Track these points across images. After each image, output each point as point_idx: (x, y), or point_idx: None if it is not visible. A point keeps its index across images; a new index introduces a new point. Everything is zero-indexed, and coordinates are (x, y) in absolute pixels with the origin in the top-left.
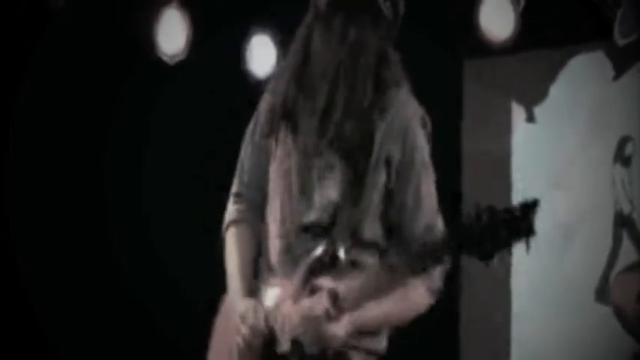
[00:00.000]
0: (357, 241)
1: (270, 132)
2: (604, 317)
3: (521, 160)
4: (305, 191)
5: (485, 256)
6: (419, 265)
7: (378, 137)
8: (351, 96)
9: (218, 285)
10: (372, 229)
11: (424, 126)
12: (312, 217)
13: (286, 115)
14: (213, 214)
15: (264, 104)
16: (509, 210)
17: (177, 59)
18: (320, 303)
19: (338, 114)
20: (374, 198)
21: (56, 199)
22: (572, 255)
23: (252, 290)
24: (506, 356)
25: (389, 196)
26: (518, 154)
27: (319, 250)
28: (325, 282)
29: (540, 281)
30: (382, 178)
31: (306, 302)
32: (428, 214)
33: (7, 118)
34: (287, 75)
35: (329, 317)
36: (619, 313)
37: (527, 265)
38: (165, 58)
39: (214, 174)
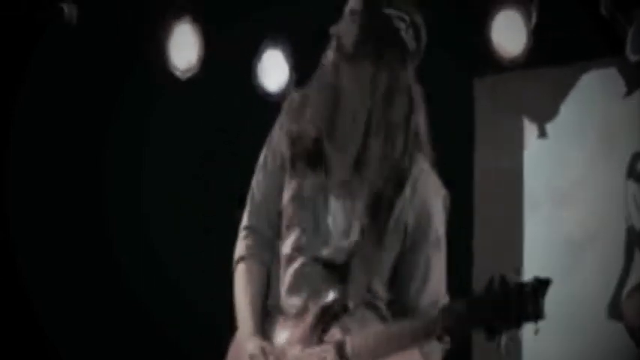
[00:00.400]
0: (368, 293)
1: (291, 166)
2: (616, 334)
3: (532, 177)
4: (322, 228)
5: (490, 334)
6: (422, 337)
7: (400, 201)
8: (384, 147)
9: (218, 285)
10: (381, 289)
11: (444, 205)
12: (326, 252)
13: (312, 154)
14: (213, 214)
15: (281, 135)
16: (520, 287)
17: (189, 74)
18: (327, 354)
19: (371, 164)
20: (388, 258)
21: (56, 199)
22: (583, 271)
23: (262, 330)
24: None
25: (399, 263)
26: (529, 170)
27: (330, 298)
28: (335, 334)
29: (552, 298)
30: (397, 242)
31: (314, 350)
32: (435, 290)
33: (8, 118)
34: (313, 113)
35: None
36: (631, 329)
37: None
38: (177, 73)
39: (226, 197)
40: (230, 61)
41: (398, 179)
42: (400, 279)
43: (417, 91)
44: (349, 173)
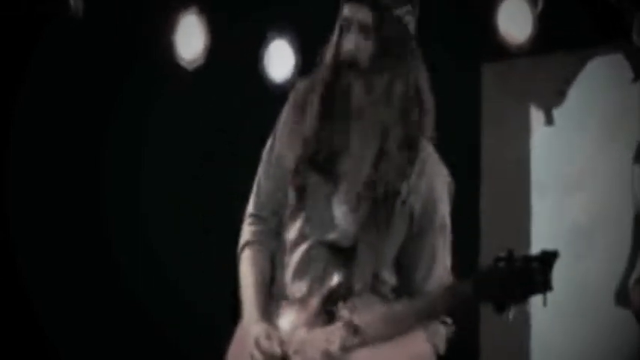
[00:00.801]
0: (374, 279)
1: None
2: (624, 321)
3: (539, 163)
4: (327, 215)
5: (499, 307)
6: (429, 315)
7: (405, 186)
8: (397, 154)
9: (218, 285)
10: (387, 275)
11: (449, 192)
12: (332, 236)
13: (320, 161)
14: (213, 214)
15: (286, 130)
16: (527, 260)
17: (195, 65)
18: (337, 334)
19: (385, 164)
20: (394, 244)
21: (56, 199)
22: (591, 258)
23: (267, 314)
24: (525, 358)
25: (405, 249)
26: (536, 157)
27: (335, 281)
28: (345, 313)
29: (559, 285)
30: (404, 228)
31: (321, 331)
32: (440, 276)
33: (8, 113)
34: (321, 118)
35: (344, 349)
36: (638, 316)
37: None
38: (183, 64)
39: (232, 188)
40: (236, 51)
41: (405, 166)
42: (406, 265)
43: (424, 77)
44: (360, 183)
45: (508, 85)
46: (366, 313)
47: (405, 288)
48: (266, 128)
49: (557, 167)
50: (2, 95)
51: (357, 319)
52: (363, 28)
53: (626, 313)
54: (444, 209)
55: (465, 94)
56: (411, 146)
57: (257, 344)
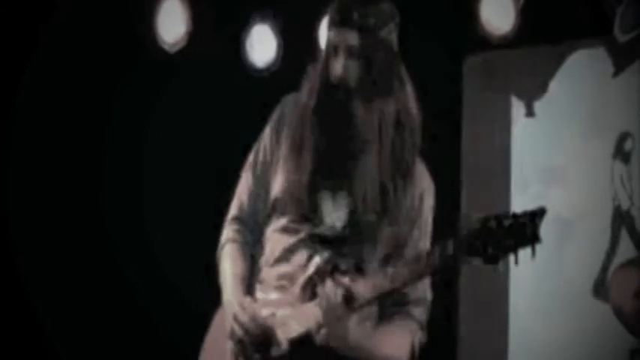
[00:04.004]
0: (359, 265)
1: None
2: (602, 313)
3: (520, 155)
4: (313, 215)
5: (490, 260)
6: (420, 272)
7: (396, 188)
8: (393, 155)
9: (218, 285)
10: (375, 258)
11: (433, 199)
12: (320, 230)
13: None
14: (213, 213)
15: (273, 137)
16: (515, 215)
17: (177, 48)
18: (335, 296)
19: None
20: (383, 240)
21: (55, 198)
22: (570, 251)
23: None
24: (504, 351)
25: (391, 242)
26: (517, 149)
27: (320, 259)
28: (343, 279)
29: (538, 277)
30: (393, 223)
31: (308, 305)
32: (423, 246)
33: (8, 110)
34: (319, 140)
35: (335, 319)
36: (617, 309)
37: (524, 261)
38: (165, 47)
39: (214, 172)
40: (218, 35)
41: (397, 173)
42: (391, 256)
43: (410, 92)
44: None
45: (490, 77)
46: (359, 282)
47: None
48: (247, 113)
49: (539, 159)
50: None
51: (351, 286)
52: (350, 52)
53: (604, 305)
54: (428, 211)
55: (446, 85)
56: (402, 165)
57: (236, 319)
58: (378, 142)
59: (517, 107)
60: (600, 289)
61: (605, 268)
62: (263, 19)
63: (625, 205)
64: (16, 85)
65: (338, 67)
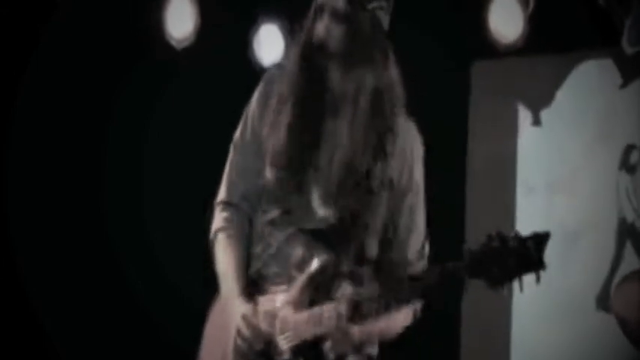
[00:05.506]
0: (359, 257)
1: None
2: (605, 325)
3: (526, 164)
4: (304, 203)
5: (494, 283)
6: (422, 290)
7: (380, 162)
8: (371, 121)
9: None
10: (372, 249)
11: (422, 150)
12: (310, 225)
13: (301, 149)
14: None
15: (258, 114)
16: (520, 239)
17: (184, 44)
18: (336, 310)
19: (357, 159)
20: (378, 218)
21: (55, 197)
22: (574, 261)
23: (247, 290)
24: None
25: (387, 216)
26: (523, 158)
27: (321, 261)
28: (346, 290)
29: (542, 287)
30: (384, 199)
31: (312, 312)
32: (419, 238)
33: (8, 110)
34: (298, 107)
35: (341, 326)
36: (620, 320)
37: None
38: (172, 43)
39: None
40: (226, 33)
41: (379, 145)
42: (387, 231)
43: (395, 72)
44: (340, 169)
45: (497, 84)
46: (364, 289)
47: (387, 254)
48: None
49: (545, 168)
50: None
51: (356, 295)
52: (335, 14)
53: (608, 316)
54: (418, 170)
55: (453, 92)
56: (384, 134)
57: (245, 320)
58: (352, 113)
59: (523, 116)
60: (603, 300)
61: (608, 280)
62: (271, 18)
63: (630, 217)
64: (17, 85)
65: (321, 27)
